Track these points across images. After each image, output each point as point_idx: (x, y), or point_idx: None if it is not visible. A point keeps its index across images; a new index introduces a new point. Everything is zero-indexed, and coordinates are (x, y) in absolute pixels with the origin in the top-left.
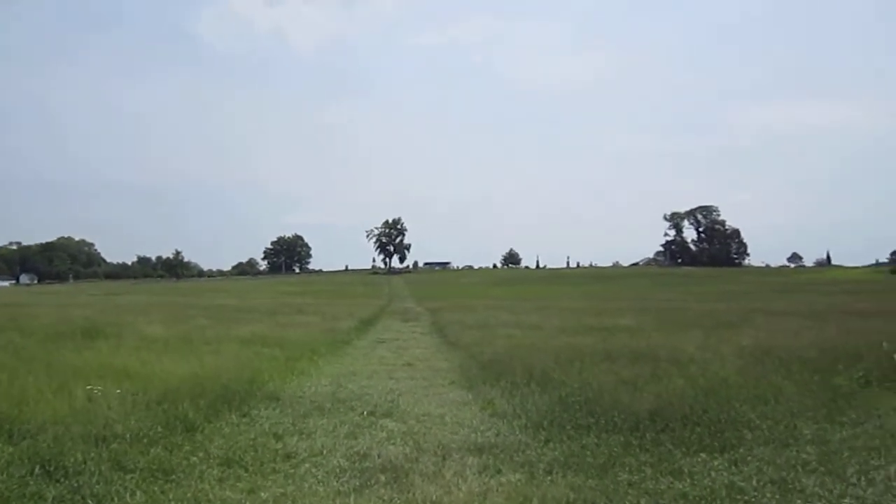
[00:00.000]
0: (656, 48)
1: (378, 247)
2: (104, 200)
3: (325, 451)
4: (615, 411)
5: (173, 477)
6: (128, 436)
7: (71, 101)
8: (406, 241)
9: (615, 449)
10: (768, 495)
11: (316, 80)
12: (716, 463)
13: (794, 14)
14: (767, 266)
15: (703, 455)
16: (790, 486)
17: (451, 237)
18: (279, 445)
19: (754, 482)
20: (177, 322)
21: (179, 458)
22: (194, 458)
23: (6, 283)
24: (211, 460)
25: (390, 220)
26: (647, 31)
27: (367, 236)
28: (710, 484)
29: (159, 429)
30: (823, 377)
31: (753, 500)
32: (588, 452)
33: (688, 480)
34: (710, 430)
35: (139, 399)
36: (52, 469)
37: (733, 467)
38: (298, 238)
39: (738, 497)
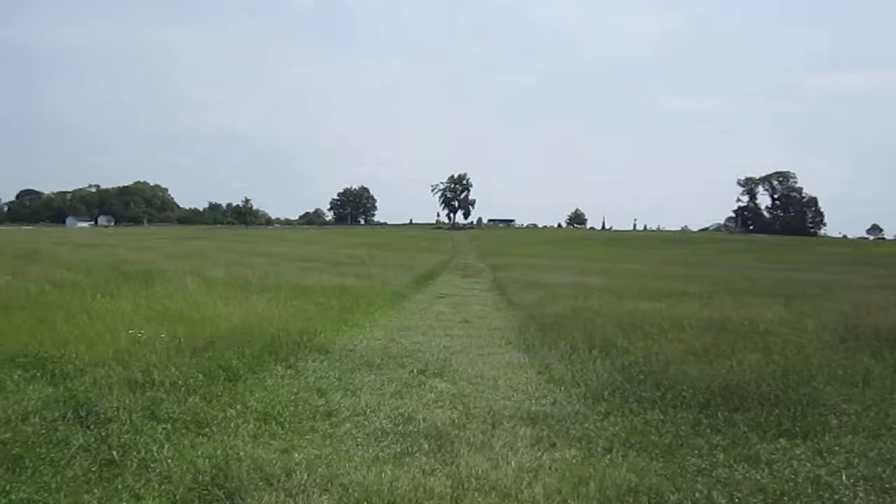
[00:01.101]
0: (731, 8)
1: (443, 201)
2: (180, 146)
3: (368, 411)
4: (683, 385)
5: (206, 430)
6: (167, 383)
7: (149, 51)
8: (471, 197)
9: (683, 428)
10: (861, 495)
11: (383, 35)
12: (797, 451)
13: None
14: (845, 237)
15: (782, 441)
16: (886, 485)
17: (517, 195)
18: (321, 401)
19: (843, 478)
20: (238, 268)
21: (216, 410)
22: (231, 411)
23: (85, 224)
24: (248, 414)
25: (456, 176)
26: None
27: (433, 190)
28: (791, 476)
29: (200, 377)
30: None
31: (845, 499)
32: (652, 430)
33: (766, 470)
34: (790, 413)
35: (184, 344)
36: (84, 414)
37: (818, 458)
38: (364, 190)
39: (826, 495)
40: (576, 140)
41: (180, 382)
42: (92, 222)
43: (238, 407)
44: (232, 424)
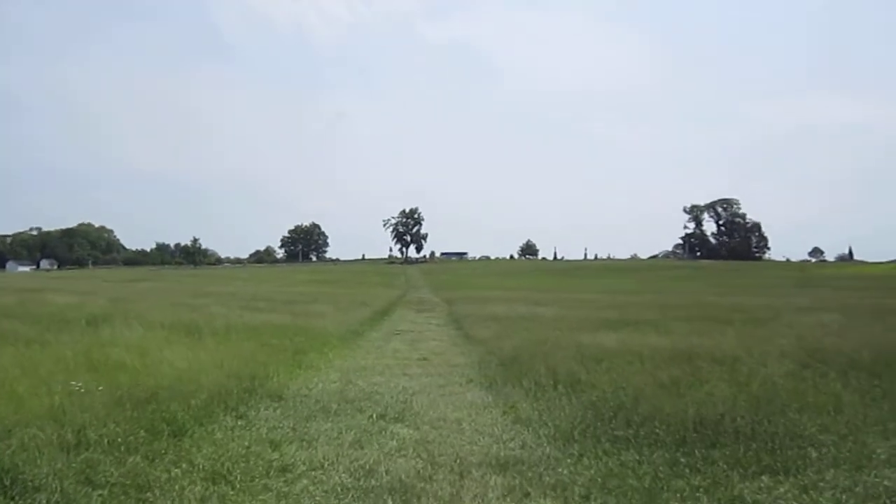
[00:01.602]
0: (673, 42)
1: (395, 236)
2: (124, 188)
3: (326, 464)
4: (656, 421)
5: (148, 495)
6: (105, 441)
7: (92, 89)
8: (423, 231)
9: (661, 468)
10: None
11: (334, 71)
12: (782, 489)
13: (816, 8)
14: (788, 260)
15: (764, 479)
16: None
17: (467, 228)
18: (275, 455)
19: None
20: (187, 310)
21: (159, 471)
22: (176, 471)
23: (27, 269)
24: (195, 473)
25: (407, 210)
26: (664, 22)
27: (385, 225)
28: None
29: (142, 433)
30: (884, 383)
31: None
32: (629, 472)
33: None
34: (768, 447)
35: (125, 396)
36: (8, 483)
37: (804, 496)
38: (315, 226)
39: None
40: (525, 172)
41: (119, 440)
42: (34, 266)
43: (184, 466)
44: (177, 487)
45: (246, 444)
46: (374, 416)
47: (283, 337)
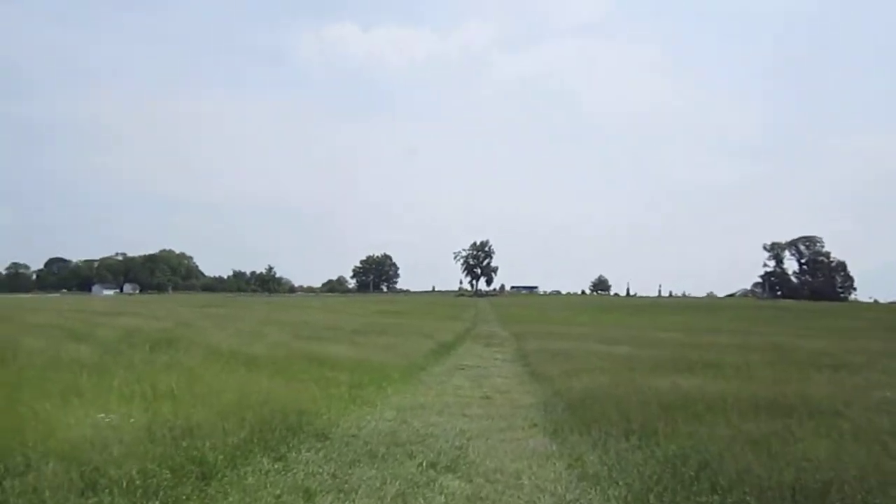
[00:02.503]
0: (750, 70)
1: (465, 268)
2: (205, 215)
3: None
4: (745, 486)
5: None
6: (123, 483)
7: (174, 118)
8: (493, 264)
9: None
10: None
11: (408, 103)
12: None
13: None
14: (876, 301)
15: None
16: None
17: (539, 262)
18: None
19: None
20: (251, 337)
21: None
22: None
23: (110, 292)
24: None
25: (478, 243)
26: (739, 52)
27: (455, 258)
28: None
29: (166, 474)
30: None
31: None
32: None
33: None
34: None
35: (160, 430)
36: None
37: None
38: (387, 257)
39: None
40: (599, 205)
41: (138, 482)
42: (117, 290)
43: None
44: None
45: (277, 492)
46: (425, 463)
47: (342, 370)
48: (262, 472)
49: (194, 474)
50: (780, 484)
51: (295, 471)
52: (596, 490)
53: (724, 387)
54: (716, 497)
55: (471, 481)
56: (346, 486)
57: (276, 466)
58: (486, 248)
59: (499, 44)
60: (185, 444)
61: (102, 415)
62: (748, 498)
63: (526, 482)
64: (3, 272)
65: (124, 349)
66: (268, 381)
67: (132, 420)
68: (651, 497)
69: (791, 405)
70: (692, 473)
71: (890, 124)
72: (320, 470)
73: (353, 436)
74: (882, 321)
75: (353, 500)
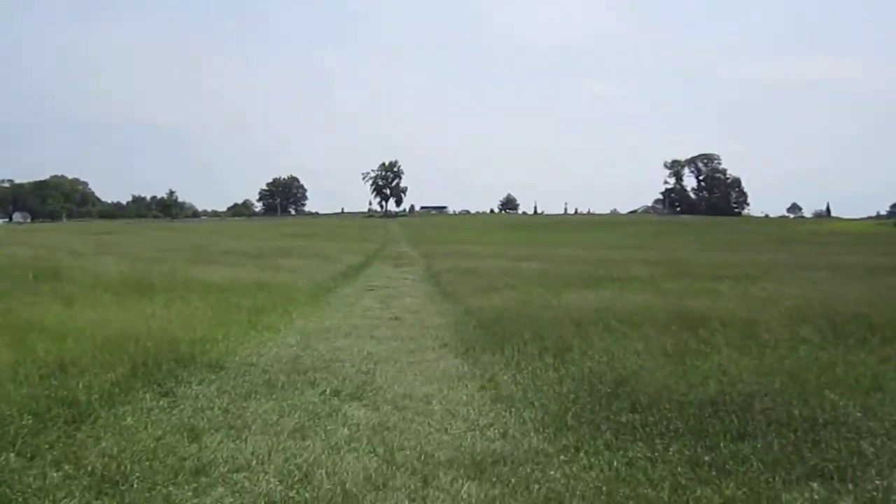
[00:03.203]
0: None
1: (374, 190)
2: (99, 138)
3: (253, 463)
4: (665, 402)
5: None
6: None
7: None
8: (403, 185)
9: (680, 469)
10: None
11: (312, 23)
12: None
13: None
14: (767, 216)
15: (815, 486)
16: None
17: (448, 182)
18: (192, 449)
19: None
20: (146, 263)
21: (31, 476)
22: (54, 475)
23: None
24: (79, 479)
25: (387, 163)
26: None
27: (364, 179)
28: None
29: (28, 419)
30: None
31: None
32: (641, 475)
33: None
34: (809, 439)
35: (27, 369)
36: None
37: None
38: (294, 179)
39: None
40: (507, 126)
41: None
42: (6, 219)
43: (67, 468)
44: (48, 500)
45: (159, 433)
46: (328, 391)
47: (242, 294)
48: (144, 410)
49: (62, 418)
50: (701, 399)
51: (182, 407)
52: (511, 412)
53: (633, 300)
54: (636, 415)
55: (377, 409)
56: (239, 421)
57: (160, 403)
58: (395, 169)
59: None
60: (54, 383)
61: None
62: (669, 415)
63: (437, 407)
64: None
65: (6, 282)
66: (160, 310)
67: None
68: (569, 417)
69: (703, 316)
70: (609, 391)
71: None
72: (211, 405)
73: (252, 364)
74: (771, 234)
75: (246, 439)
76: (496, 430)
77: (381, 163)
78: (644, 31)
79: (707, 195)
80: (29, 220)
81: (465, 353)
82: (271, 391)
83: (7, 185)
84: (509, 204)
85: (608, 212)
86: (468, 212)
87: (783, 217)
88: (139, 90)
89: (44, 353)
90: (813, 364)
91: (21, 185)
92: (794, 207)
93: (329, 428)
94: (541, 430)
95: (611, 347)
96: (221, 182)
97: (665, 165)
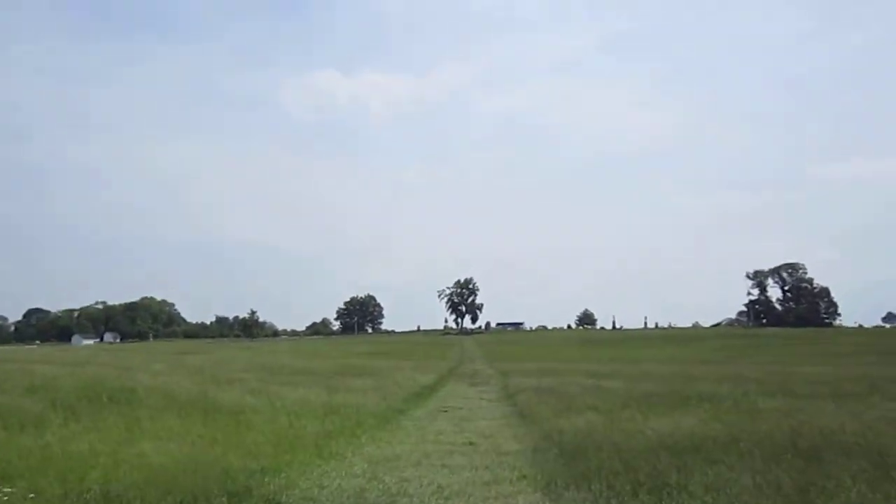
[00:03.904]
0: (729, 103)
1: (450, 307)
2: (186, 262)
3: None
4: None
5: None
6: None
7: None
8: (478, 301)
9: None
10: None
11: (389, 144)
12: None
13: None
14: (861, 326)
15: None
16: None
17: (524, 298)
18: None
19: None
20: (219, 384)
21: None
22: None
23: (90, 342)
24: None
25: (462, 280)
26: (719, 85)
27: (440, 296)
28: None
29: None
30: None
31: None
32: None
33: None
34: None
35: (73, 502)
36: None
37: None
38: (371, 298)
39: None
40: (581, 240)
41: None
42: (97, 339)
43: None
44: None
45: None
46: None
47: (312, 418)
48: None
49: None
50: None
51: None
52: None
53: (732, 423)
54: None
55: None
56: None
57: None
58: (471, 286)
59: (479, 84)
60: None
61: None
62: None
63: None
64: None
65: (77, 401)
66: (222, 435)
67: (31, 496)
68: None
69: (816, 444)
70: None
71: (869, 151)
72: None
73: (311, 500)
74: (869, 345)
75: None
76: None
77: (456, 280)
78: (713, 135)
79: (794, 305)
80: (118, 340)
81: (545, 487)
82: None
83: (100, 306)
84: (587, 319)
85: (690, 325)
86: (545, 327)
87: (878, 327)
88: (228, 209)
89: (92, 485)
90: None
91: (113, 307)
92: (890, 317)
93: None
94: None
95: (715, 483)
96: (301, 302)
97: (748, 276)
